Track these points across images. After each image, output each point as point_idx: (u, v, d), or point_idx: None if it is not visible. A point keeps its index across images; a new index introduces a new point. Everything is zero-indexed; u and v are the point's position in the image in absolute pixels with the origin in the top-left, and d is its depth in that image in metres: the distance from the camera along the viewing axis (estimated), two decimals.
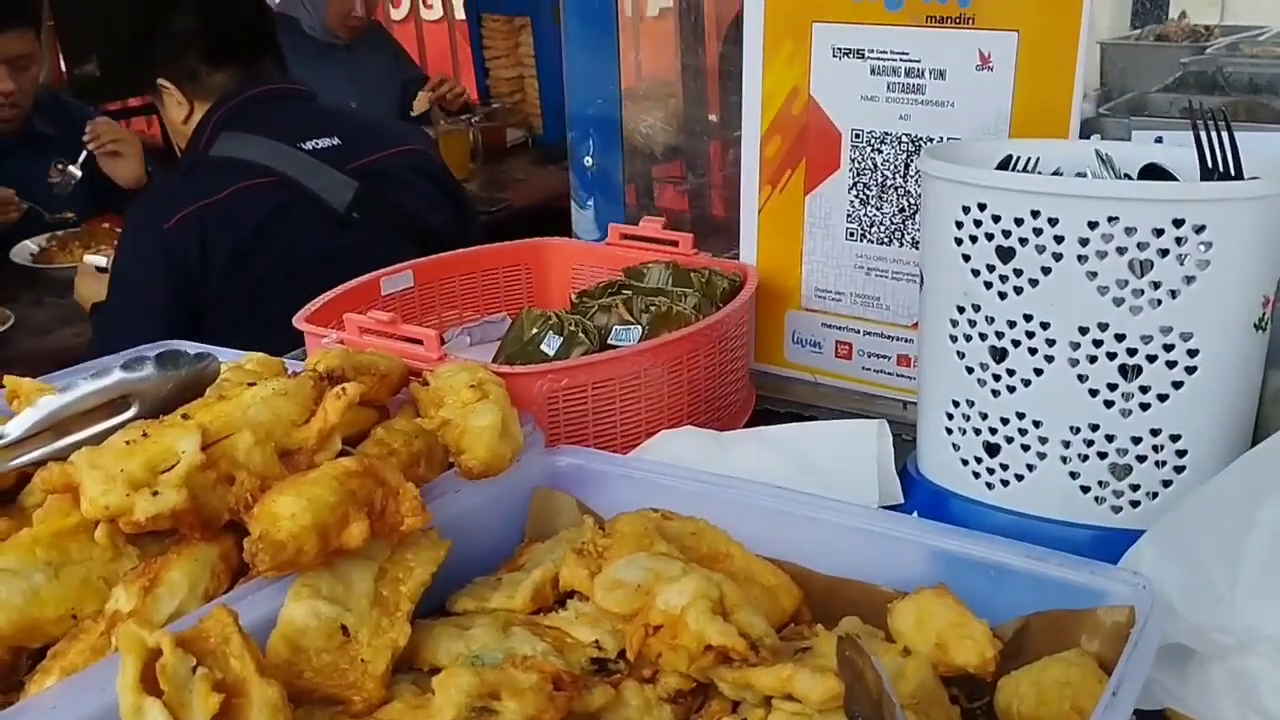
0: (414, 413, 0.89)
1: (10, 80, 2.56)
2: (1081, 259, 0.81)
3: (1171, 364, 0.81)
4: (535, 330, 1.07)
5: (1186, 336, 0.80)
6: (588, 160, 1.34)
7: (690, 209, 1.65)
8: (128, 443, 0.68)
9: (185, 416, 0.71)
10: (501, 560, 0.82)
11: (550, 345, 1.05)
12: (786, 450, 0.96)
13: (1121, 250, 0.79)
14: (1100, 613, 0.68)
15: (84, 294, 2.06)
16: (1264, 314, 0.83)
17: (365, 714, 0.63)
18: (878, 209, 1.13)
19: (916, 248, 1.12)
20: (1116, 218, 0.79)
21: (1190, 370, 0.81)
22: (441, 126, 3.36)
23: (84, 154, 2.61)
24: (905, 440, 1.01)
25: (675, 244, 1.23)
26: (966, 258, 0.86)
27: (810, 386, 1.21)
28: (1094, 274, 0.81)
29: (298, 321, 1.05)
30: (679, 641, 0.64)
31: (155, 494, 0.66)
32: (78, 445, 0.71)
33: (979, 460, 0.89)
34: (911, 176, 1.11)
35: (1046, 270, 0.82)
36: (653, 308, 1.08)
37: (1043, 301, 0.83)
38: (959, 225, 0.86)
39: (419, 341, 0.97)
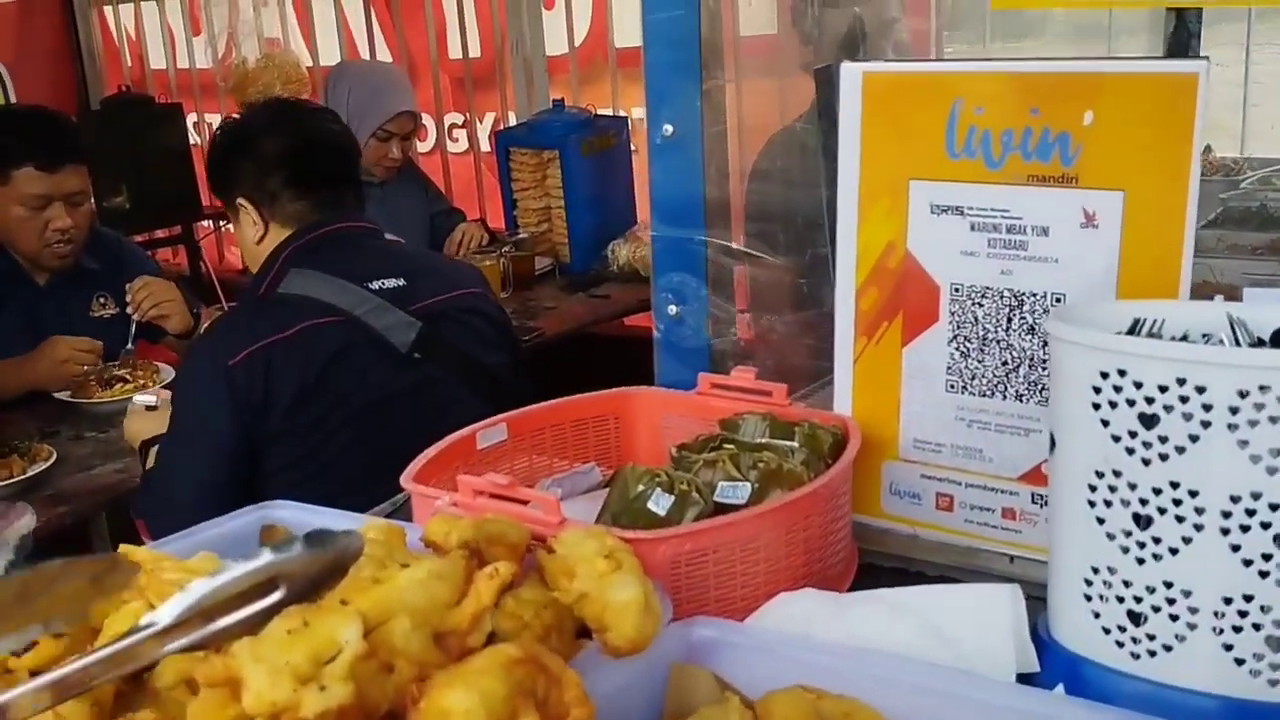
0: (539, 580, 0.87)
1: (69, 217, 2.60)
2: (1232, 427, 0.80)
3: None
4: (641, 488, 1.05)
5: None
6: (672, 309, 1.34)
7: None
8: (289, 632, 0.66)
9: (344, 602, 0.69)
10: None
11: (659, 504, 1.03)
12: (915, 615, 0.94)
13: (1274, 420, 0.78)
14: None
15: (134, 432, 2.06)
16: None
17: None
18: (979, 362, 1.13)
19: (1021, 400, 1.11)
20: (1268, 386, 0.78)
21: None
22: (472, 259, 3.40)
23: (132, 327, 2.63)
24: (1031, 598, 0.98)
25: (769, 394, 1.22)
26: (1105, 423, 0.85)
27: (909, 539, 1.19)
28: (1245, 442, 0.80)
29: (405, 482, 1.04)
30: None
31: (322, 688, 0.64)
32: (229, 631, 0.69)
33: (1122, 629, 0.87)
34: (1014, 330, 1.11)
35: (1194, 438, 0.81)
36: (760, 464, 1.07)
37: (1190, 469, 0.82)
38: (1096, 390, 0.85)
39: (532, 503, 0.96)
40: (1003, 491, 1.14)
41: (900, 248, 1.15)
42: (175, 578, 0.80)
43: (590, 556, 0.84)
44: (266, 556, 0.73)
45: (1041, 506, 1.12)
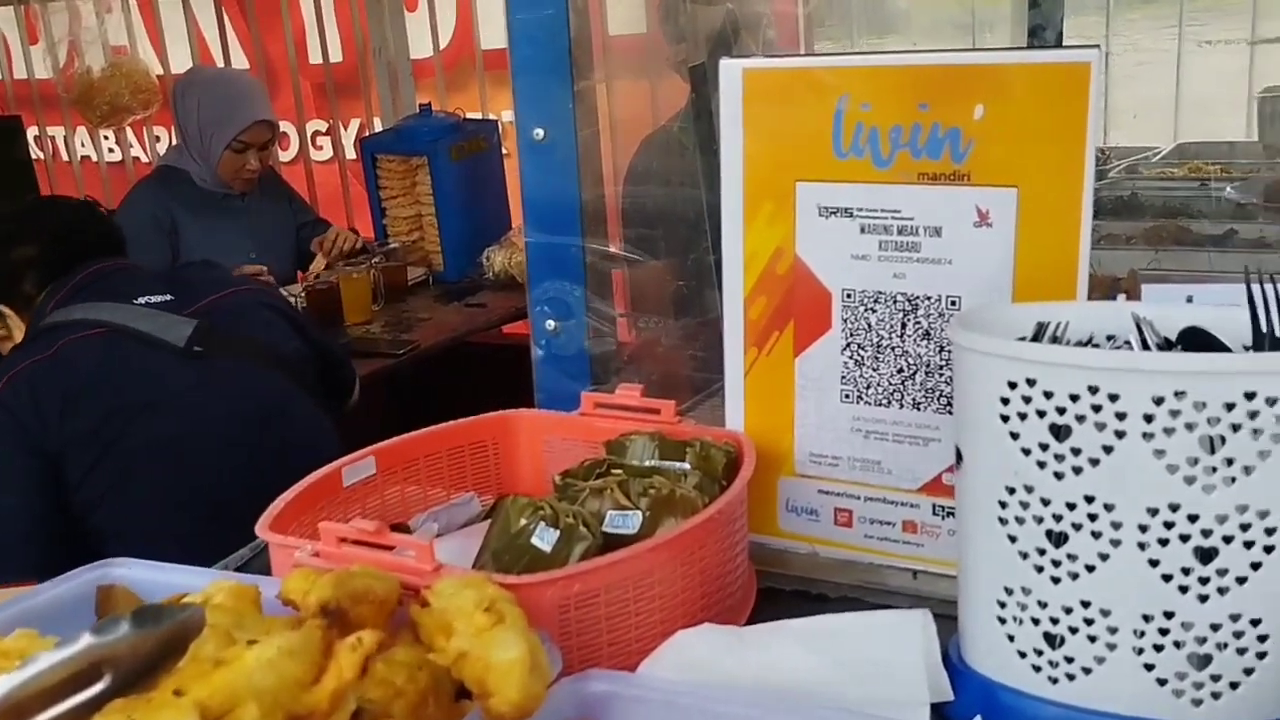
0: (412, 638, 0.78)
1: None
2: (1147, 436, 0.75)
3: (1249, 544, 0.76)
4: (524, 521, 0.97)
5: (1264, 514, 0.75)
6: (550, 324, 1.26)
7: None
8: None
9: (178, 693, 0.59)
10: None
11: (544, 539, 0.95)
12: (822, 648, 0.88)
13: (1191, 426, 0.74)
14: None
15: None
16: None
17: None
18: (874, 370, 1.07)
19: (918, 409, 1.06)
20: (1184, 392, 0.74)
21: (1269, 550, 0.76)
22: (341, 270, 3.27)
23: None
24: (939, 617, 0.93)
25: (657, 411, 1.15)
26: (1015, 435, 0.80)
27: (808, 558, 1.13)
28: (1162, 451, 0.75)
29: (261, 531, 0.93)
30: None
31: None
32: None
33: (1039, 652, 0.82)
34: (909, 336, 1.06)
35: (1109, 449, 0.77)
36: (651, 491, 0.99)
37: (1105, 482, 0.77)
38: (1005, 402, 0.80)
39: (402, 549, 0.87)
40: (903, 504, 1.09)
41: (789, 253, 1.09)
42: None
43: (469, 610, 0.75)
44: (87, 640, 0.63)
45: (944, 518, 1.07)
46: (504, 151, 3.77)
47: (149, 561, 0.94)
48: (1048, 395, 0.78)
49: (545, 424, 1.20)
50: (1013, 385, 0.79)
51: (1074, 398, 0.77)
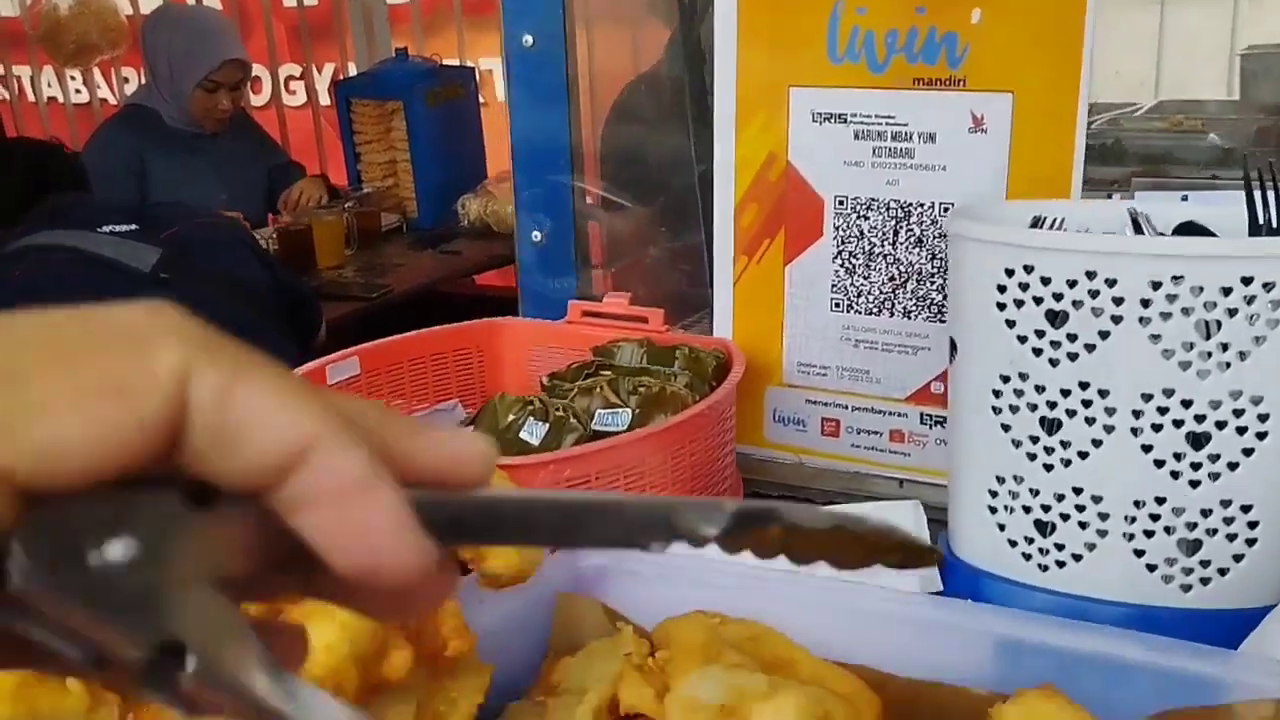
0: None
1: None
2: (1143, 321, 0.76)
3: (1242, 430, 0.76)
4: (513, 417, 0.97)
5: (1257, 400, 0.76)
6: (536, 235, 1.25)
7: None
8: None
9: None
10: (528, 680, 0.71)
11: (533, 433, 0.95)
12: None
13: (1187, 311, 0.75)
14: (1241, 708, 0.61)
15: None
16: None
17: None
18: (865, 278, 1.07)
19: (909, 317, 1.06)
20: (1181, 277, 0.74)
21: (1261, 436, 0.76)
22: (314, 213, 3.23)
23: None
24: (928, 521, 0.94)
25: (645, 320, 1.14)
26: (1011, 323, 0.80)
27: (794, 467, 1.13)
28: (1157, 336, 0.76)
29: None
30: None
31: None
32: None
33: (1030, 540, 0.83)
34: (901, 244, 1.06)
35: (1104, 334, 0.77)
36: (641, 389, 0.99)
37: (1100, 368, 0.77)
38: (1001, 289, 0.80)
39: None
40: (891, 414, 1.09)
41: (781, 160, 1.09)
42: None
43: None
44: None
45: (931, 427, 1.08)
46: (481, 100, 3.74)
47: None
48: (1045, 281, 0.78)
49: (531, 331, 1.19)
50: (1010, 272, 0.79)
51: (1071, 283, 0.77)
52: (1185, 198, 0.91)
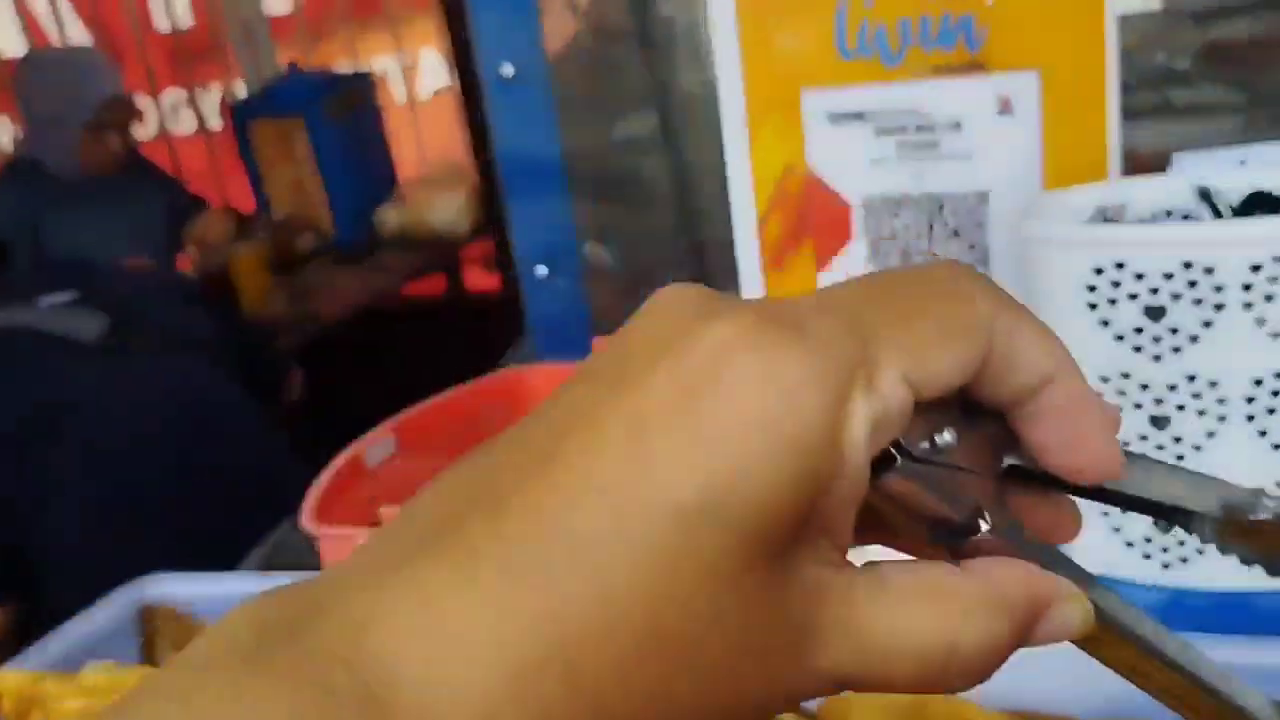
0: None
1: None
2: (1247, 306, 0.74)
3: None
4: None
5: None
6: (541, 270, 1.19)
7: None
8: None
9: None
10: None
11: None
12: None
13: None
14: None
15: None
16: None
17: None
18: None
19: None
20: None
21: None
22: (230, 248, 3.10)
23: None
24: None
25: None
26: (1106, 323, 0.78)
27: None
28: (1262, 320, 0.74)
29: (309, 524, 0.86)
30: None
31: None
32: None
33: (1148, 540, 0.81)
34: (937, 238, 1.03)
35: (1207, 324, 0.75)
36: None
37: (1206, 358, 0.76)
38: (1091, 289, 0.78)
39: None
40: None
41: (800, 168, 1.05)
42: (78, 705, 0.62)
43: None
44: None
45: None
46: (380, 105, 3.63)
47: (184, 573, 0.86)
48: (1138, 277, 0.76)
49: (559, 376, 1.14)
50: (1099, 271, 0.77)
51: (1168, 276, 0.75)
52: (1243, 161, 0.90)
